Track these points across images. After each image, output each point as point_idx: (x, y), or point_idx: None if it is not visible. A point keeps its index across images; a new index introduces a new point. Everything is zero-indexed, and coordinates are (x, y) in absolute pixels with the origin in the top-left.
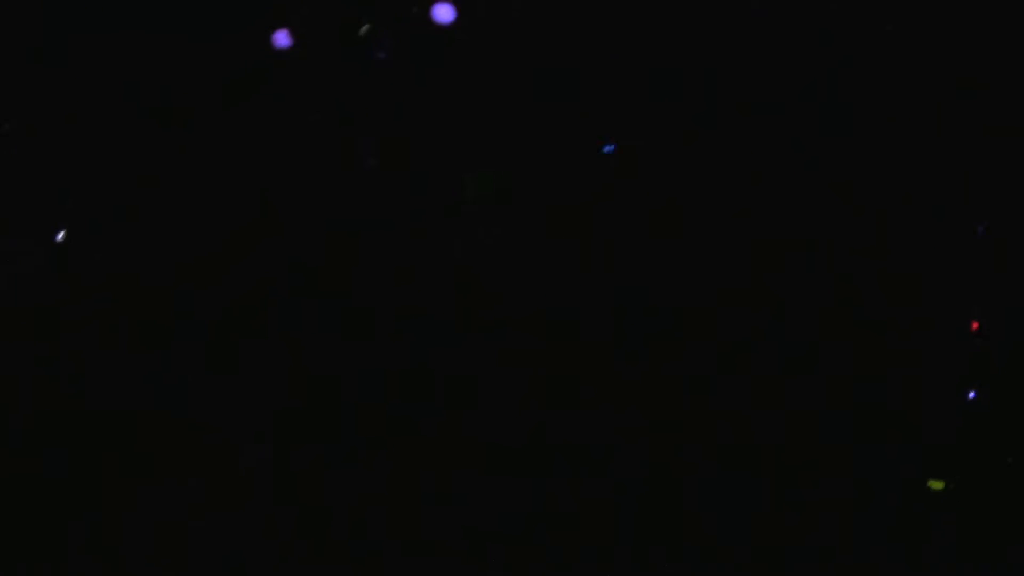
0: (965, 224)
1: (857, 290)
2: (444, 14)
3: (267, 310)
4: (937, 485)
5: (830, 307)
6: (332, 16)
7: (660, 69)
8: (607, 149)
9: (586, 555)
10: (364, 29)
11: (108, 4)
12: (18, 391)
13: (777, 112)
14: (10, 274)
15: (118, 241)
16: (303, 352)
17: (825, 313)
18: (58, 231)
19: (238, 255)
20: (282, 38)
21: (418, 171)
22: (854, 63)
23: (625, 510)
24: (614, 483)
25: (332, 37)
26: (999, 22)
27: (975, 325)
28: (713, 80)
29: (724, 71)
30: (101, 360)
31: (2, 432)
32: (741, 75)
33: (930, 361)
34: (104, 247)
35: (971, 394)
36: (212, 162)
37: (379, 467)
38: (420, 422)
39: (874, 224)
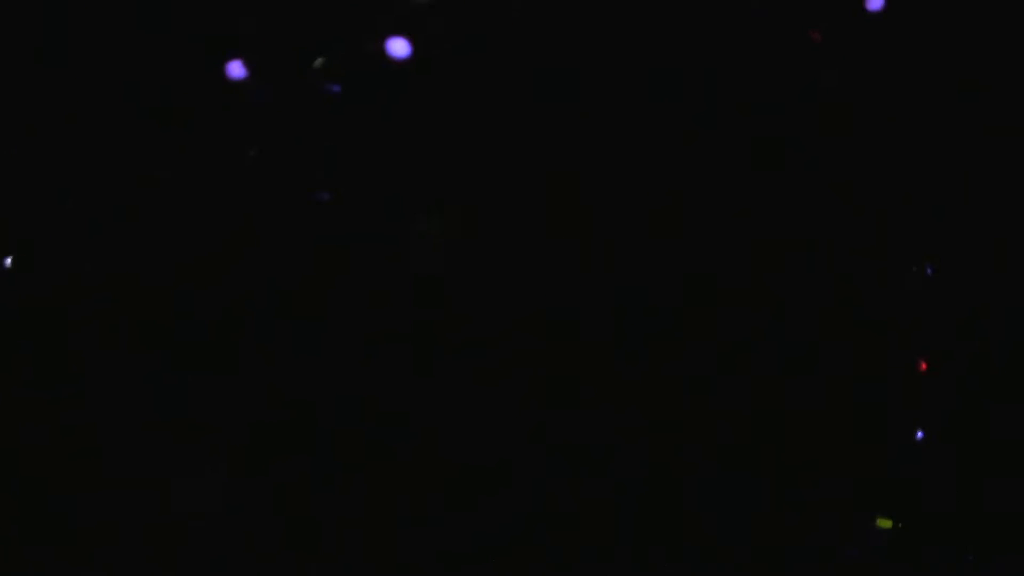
0: (965, 224)
1: (857, 290)
2: (399, 49)
3: (242, 331)
4: (885, 524)
5: (830, 307)
6: (288, 46)
7: (660, 69)
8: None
9: (586, 555)
10: (318, 62)
11: (108, 4)
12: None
13: (777, 112)
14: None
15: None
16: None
17: (825, 313)
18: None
19: (214, 273)
20: (236, 69)
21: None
22: (854, 63)
23: (625, 510)
24: (614, 483)
25: (289, 68)
26: (999, 22)
27: (924, 366)
28: (713, 80)
29: (724, 71)
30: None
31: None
32: (741, 75)
33: (930, 361)
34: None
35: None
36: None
37: (356, 489)
38: (397, 444)
39: (874, 224)
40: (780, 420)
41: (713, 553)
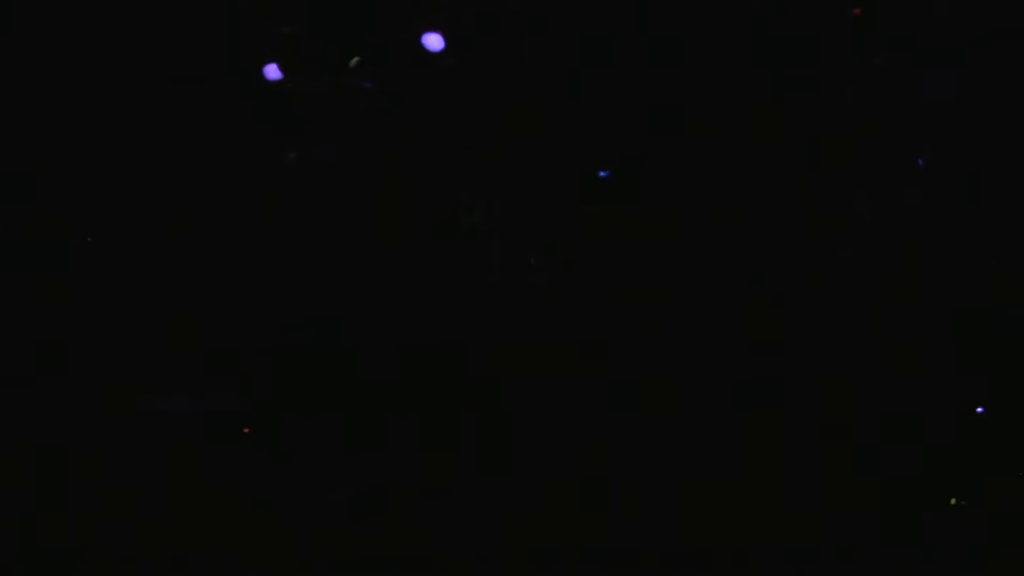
0: (965, 224)
1: (859, 290)
2: (434, 43)
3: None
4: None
5: (832, 307)
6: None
7: (661, 69)
8: (602, 174)
9: (587, 555)
10: (354, 61)
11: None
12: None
13: (776, 113)
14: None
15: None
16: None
17: (827, 313)
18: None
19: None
20: (272, 72)
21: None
22: (854, 63)
23: (626, 510)
24: (616, 483)
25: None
26: (997, 23)
27: None
28: (713, 81)
29: (725, 72)
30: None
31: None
32: (741, 76)
33: (930, 361)
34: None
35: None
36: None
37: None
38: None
39: (875, 225)
40: (781, 420)
41: (714, 553)
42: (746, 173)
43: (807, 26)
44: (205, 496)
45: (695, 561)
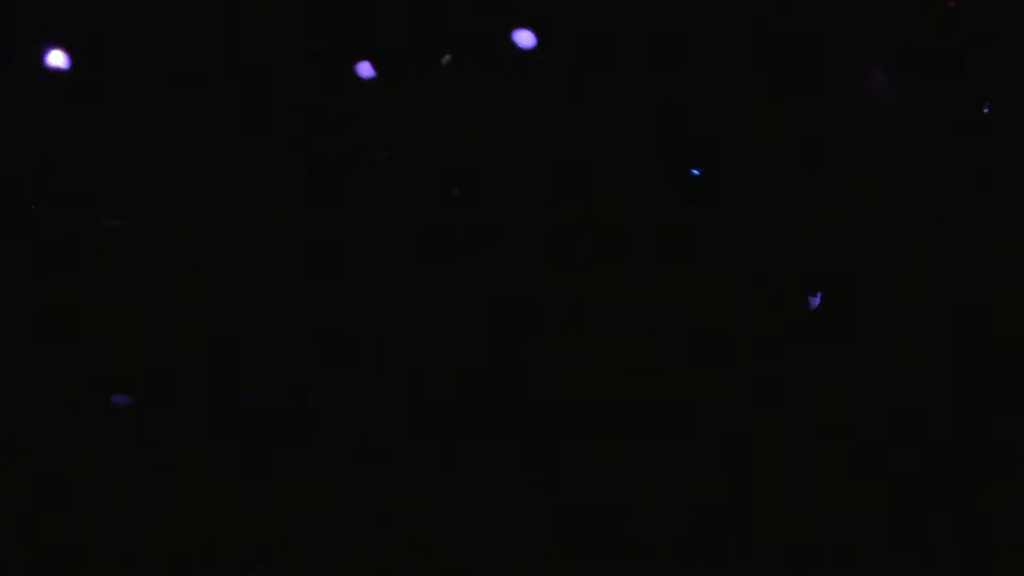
0: (965, 225)
1: (860, 290)
2: (525, 39)
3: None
4: None
5: (832, 306)
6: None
7: (660, 69)
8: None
9: (587, 554)
10: (446, 59)
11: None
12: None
13: (777, 113)
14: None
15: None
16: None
17: (827, 313)
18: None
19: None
20: (365, 69)
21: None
22: (855, 65)
23: (627, 509)
24: (615, 483)
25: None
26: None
27: None
28: (713, 81)
29: (725, 72)
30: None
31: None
32: (741, 76)
33: (931, 361)
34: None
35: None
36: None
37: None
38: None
39: (875, 225)
40: (780, 420)
41: (713, 553)
42: (746, 173)
43: (807, 26)
44: (205, 496)
45: (696, 560)
